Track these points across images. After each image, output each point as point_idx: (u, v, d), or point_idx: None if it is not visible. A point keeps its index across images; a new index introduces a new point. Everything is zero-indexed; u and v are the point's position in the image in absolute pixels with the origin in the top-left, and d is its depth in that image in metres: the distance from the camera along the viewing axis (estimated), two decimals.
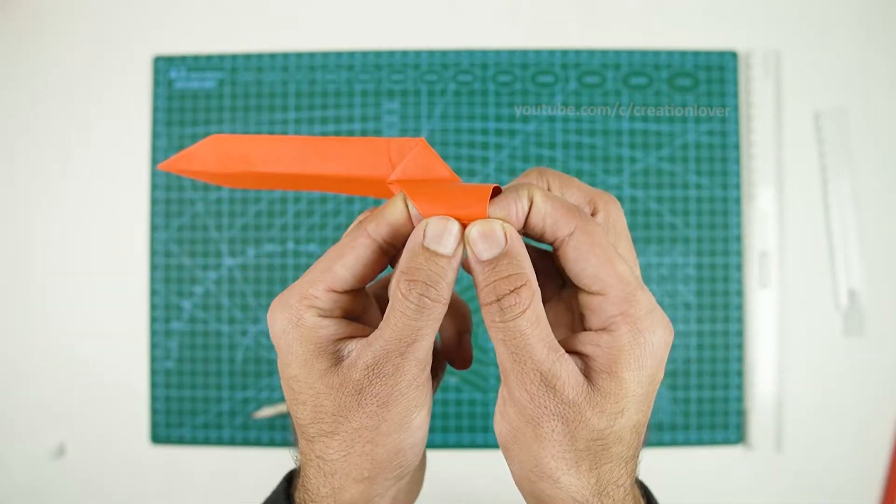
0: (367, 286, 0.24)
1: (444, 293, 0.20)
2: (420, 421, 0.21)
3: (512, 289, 0.19)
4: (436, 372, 0.25)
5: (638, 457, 0.21)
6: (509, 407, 0.21)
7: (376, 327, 0.21)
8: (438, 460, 0.47)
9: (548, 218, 0.20)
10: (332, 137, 0.22)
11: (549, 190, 0.22)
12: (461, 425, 0.46)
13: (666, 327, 0.20)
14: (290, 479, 0.23)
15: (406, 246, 0.20)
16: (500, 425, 0.21)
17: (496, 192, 0.21)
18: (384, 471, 0.21)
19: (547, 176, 0.22)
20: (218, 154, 0.23)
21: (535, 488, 0.21)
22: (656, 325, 0.20)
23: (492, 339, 0.20)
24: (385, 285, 0.23)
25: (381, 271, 0.22)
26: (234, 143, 0.22)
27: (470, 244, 0.20)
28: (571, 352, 0.20)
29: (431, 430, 0.46)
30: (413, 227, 0.21)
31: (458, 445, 0.46)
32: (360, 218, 0.22)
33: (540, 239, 0.21)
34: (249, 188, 0.23)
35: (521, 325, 0.19)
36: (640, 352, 0.19)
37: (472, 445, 0.46)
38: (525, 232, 0.21)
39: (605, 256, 0.20)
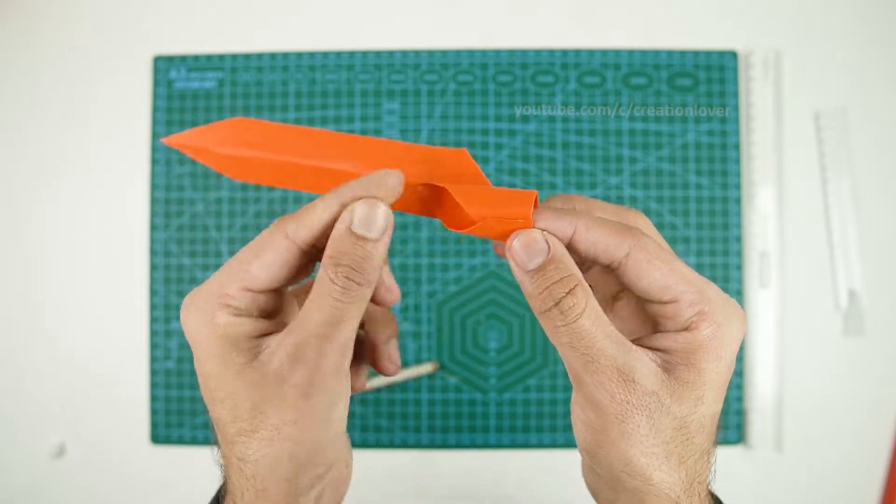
0: (290, 289, 0.24)
1: (370, 276, 0.20)
2: (340, 414, 0.21)
3: (567, 291, 0.19)
4: (358, 370, 0.25)
5: (714, 451, 0.21)
6: (588, 412, 0.20)
7: None
8: (438, 460, 0.47)
9: (599, 244, 0.20)
10: (365, 137, 0.22)
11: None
12: (461, 425, 0.46)
13: (740, 318, 0.20)
14: (222, 496, 0.22)
15: (333, 230, 0.20)
16: (582, 434, 0.21)
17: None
18: (307, 468, 0.20)
19: (573, 201, 0.23)
20: (236, 136, 0.22)
21: (626, 488, 0.20)
22: (731, 316, 0.20)
23: (557, 347, 0.20)
24: (308, 290, 0.23)
25: (305, 274, 0.22)
26: (260, 127, 0.22)
27: (514, 257, 0.20)
28: (647, 348, 0.20)
29: (431, 430, 0.46)
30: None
31: (458, 445, 0.46)
32: (279, 219, 0.21)
33: (592, 262, 0.21)
34: (252, 181, 0.22)
35: (584, 325, 0.19)
36: (719, 343, 0.20)
37: (472, 445, 0.46)
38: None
39: (668, 267, 0.20)
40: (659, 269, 0.20)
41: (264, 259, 0.20)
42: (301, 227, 0.20)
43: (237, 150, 0.22)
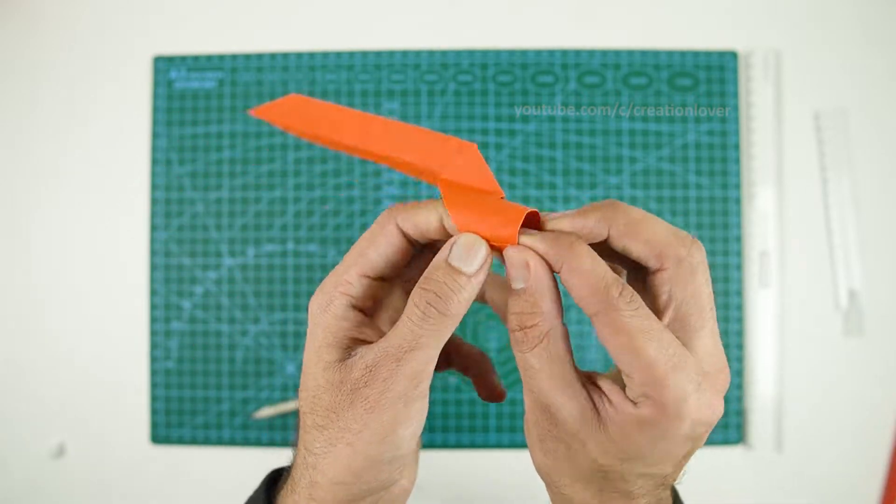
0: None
1: (453, 308, 0.20)
2: (404, 438, 0.21)
3: (528, 325, 0.20)
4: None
5: (654, 496, 0.21)
6: (527, 418, 0.22)
7: None
8: (438, 460, 0.47)
9: (573, 292, 0.20)
10: (398, 122, 0.23)
11: (608, 236, 0.21)
12: (461, 425, 0.46)
13: (701, 417, 0.19)
14: (275, 479, 0.23)
15: (434, 259, 0.21)
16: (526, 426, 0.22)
17: (533, 215, 0.21)
18: (360, 479, 0.21)
19: (618, 214, 0.21)
20: (295, 111, 0.24)
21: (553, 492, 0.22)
22: (687, 414, 0.19)
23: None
24: None
25: (411, 255, 0.23)
26: (309, 105, 0.24)
27: (507, 269, 0.20)
28: (604, 391, 0.20)
29: (431, 430, 0.46)
30: (442, 235, 0.21)
31: (458, 445, 0.46)
32: (391, 208, 0.22)
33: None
34: (325, 146, 0.25)
35: (530, 360, 0.20)
36: (657, 433, 0.19)
37: (472, 445, 0.46)
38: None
39: (630, 345, 0.18)
40: (618, 346, 0.19)
41: (379, 245, 0.22)
42: (407, 219, 0.22)
43: (299, 124, 0.24)
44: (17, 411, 0.48)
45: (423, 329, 0.20)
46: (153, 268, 0.47)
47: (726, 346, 0.46)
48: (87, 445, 0.47)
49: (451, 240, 0.20)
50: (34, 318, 0.48)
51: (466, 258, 0.20)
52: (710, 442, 0.46)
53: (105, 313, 0.48)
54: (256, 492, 0.23)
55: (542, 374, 0.20)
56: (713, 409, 0.19)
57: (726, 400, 0.46)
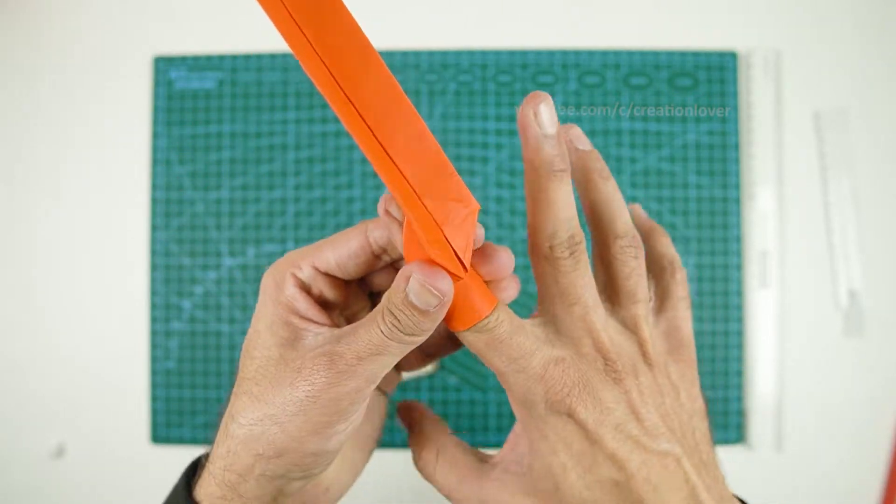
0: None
1: (417, 339, 0.20)
2: (337, 433, 0.21)
3: (416, 457, 0.25)
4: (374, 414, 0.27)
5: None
6: None
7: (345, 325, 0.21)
8: None
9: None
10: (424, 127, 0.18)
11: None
12: (461, 425, 0.46)
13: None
14: (195, 467, 0.23)
15: (392, 284, 0.20)
16: None
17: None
18: (279, 457, 0.20)
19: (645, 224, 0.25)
20: None
21: None
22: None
23: None
24: None
25: (369, 269, 0.23)
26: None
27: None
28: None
29: None
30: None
31: None
32: (365, 221, 0.23)
33: None
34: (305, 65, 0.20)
35: (436, 478, 0.25)
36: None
37: (472, 445, 0.46)
38: None
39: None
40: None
41: (337, 246, 0.22)
42: (378, 230, 0.22)
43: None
44: (17, 411, 0.48)
45: (390, 340, 0.19)
46: (153, 268, 0.47)
47: (726, 347, 0.46)
48: (87, 445, 0.47)
49: (406, 269, 0.19)
50: (34, 318, 0.48)
51: (423, 296, 0.18)
52: None
53: (105, 313, 0.48)
54: (179, 481, 0.23)
55: (450, 482, 0.24)
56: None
57: (726, 400, 0.46)
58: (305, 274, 0.22)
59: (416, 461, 0.25)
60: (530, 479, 0.21)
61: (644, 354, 0.21)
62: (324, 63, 0.18)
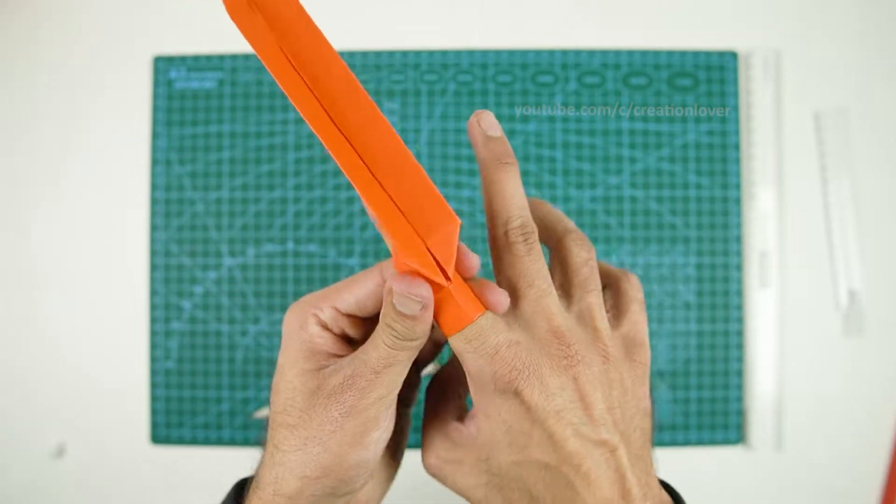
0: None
1: (414, 344, 0.21)
2: (374, 441, 0.22)
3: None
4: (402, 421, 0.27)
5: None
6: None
7: None
8: None
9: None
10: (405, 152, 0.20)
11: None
12: None
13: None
14: (241, 486, 0.25)
15: (383, 299, 0.22)
16: None
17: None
18: (326, 475, 0.22)
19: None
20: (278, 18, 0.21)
21: None
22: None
23: None
24: None
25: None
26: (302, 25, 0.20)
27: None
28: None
29: None
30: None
31: None
32: (381, 262, 0.25)
33: None
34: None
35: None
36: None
37: None
38: None
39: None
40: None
41: (355, 288, 0.24)
42: (388, 270, 0.24)
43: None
44: (17, 411, 0.48)
45: (396, 350, 0.21)
46: (153, 268, 0.47)
47: (726, 347, 0.46)
48: (86, 445, 0.47)
49: (389, 283, 0.21)
50: (34, 318, 0.48)
51: (407, 304, 0.20)
52: (711, 442, 0.46)
53: (105, 313, 0.48)
54: (226, 497, 0.24)
55: (426, 435, 0.26)
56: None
57: (726, 400, 0.46)
58: (326, 315, 0.24)
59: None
60: (472, 451, 0.23)
61: (598, 343, 0.22)
62: (313, 94, 0.20)
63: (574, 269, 0.23)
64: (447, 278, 0.20)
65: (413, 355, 0.22)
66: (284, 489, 0.22)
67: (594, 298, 0.23)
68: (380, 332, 0.21)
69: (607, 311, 0.24)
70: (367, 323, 0.25)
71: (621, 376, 0.22)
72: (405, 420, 0.29)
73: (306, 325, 0.23)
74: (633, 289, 0.25)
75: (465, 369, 0.22)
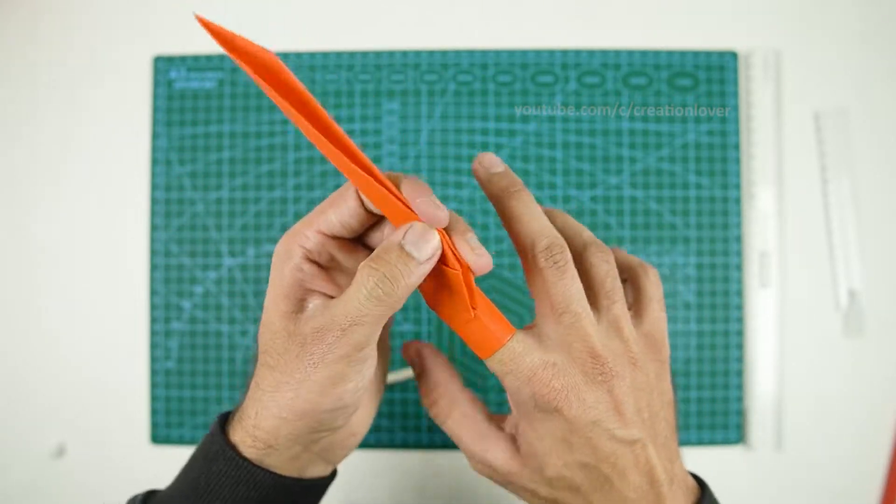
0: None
1: (398, 291, 0.21)
2: (344, 393, 0.23)
3: (430, 407, 0.27)
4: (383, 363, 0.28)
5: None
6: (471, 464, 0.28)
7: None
8: (438, 460, 0.47)
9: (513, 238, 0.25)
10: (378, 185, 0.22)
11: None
12: None
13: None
14: (226, 417, 0.26)
15: (385, 240, 0.22)
16: None
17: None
18: (300, 419, 0.23)
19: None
20: (265, 67, 0.23)
21: None
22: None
23: None
24: None
25: (370, 222, 0.25)
26: (287, 79, 0.23)
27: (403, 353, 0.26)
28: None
29: (431, 430, 0.46)
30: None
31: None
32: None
33: None
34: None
35: (449, 426, 0.26)
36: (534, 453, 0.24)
37: None
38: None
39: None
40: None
41: (338, 207, 0.23)
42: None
43: (260, 79, 0.22)
44: (17, 411, 0.48)
45: (367, 308, 0.21)
46: (153, 268, 0.47)
47: (726, 347, 0.46)
48: (87, 445, 0.47)
49: (406, 224, 0.21)
50: (34, 318, 0.48)
51: (419, 244, 0.21)
52: (711, 442, 0.46)
53: (105, 313, 0.48)
54: (213, 427, 0.26)
55: (464, 435, 0.26)
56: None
57: (726, 400, 0.46)
58: (312, 242, 0.24)
59: (429, 406, 0.27)
60: (521, 457, 0.25)
61: (629, 354, 0.23)
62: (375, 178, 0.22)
63: (599, 282, 0.24)
64: (474, 306, 0.22)
65: (384, 319, 0.22)
66: (263, 424, 0.23)
67: (619, 309, 0.24)
68: (356, 284, 0.21)
69: (628, 308, 0.25)
70: (353, 247, 0.25)
71: (647, 378, 0.24)
72: (385, 352, 0.30)
73: (289, 256, 0.23)
74: (653, 286, 0.26)
75: (504, 387, 0.24)
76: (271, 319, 0.23)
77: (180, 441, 0.47)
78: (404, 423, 0.46)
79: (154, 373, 0.47)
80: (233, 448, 0.24)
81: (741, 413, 0.47)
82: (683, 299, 0.47)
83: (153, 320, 0.47)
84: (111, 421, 0.47)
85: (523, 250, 0.24)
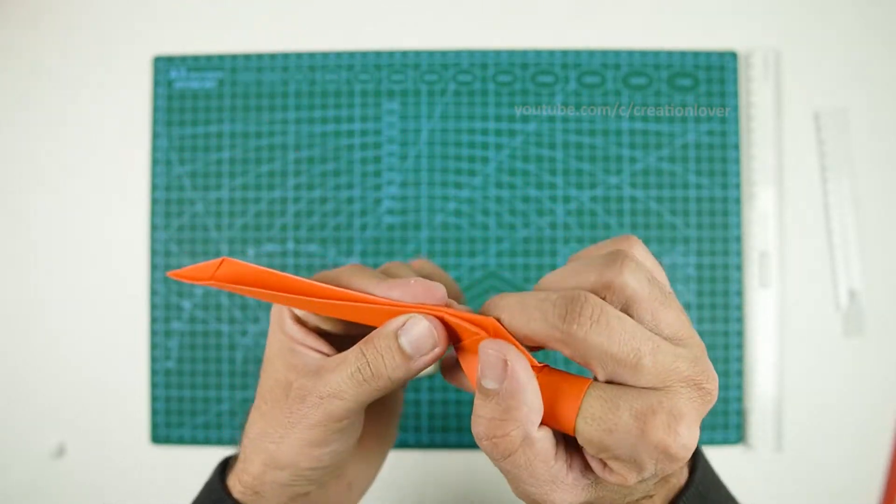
0: None
1: (381, 382, 0.20)
2: (322, 456, 0.22)
3: (495, 436, 0.18)
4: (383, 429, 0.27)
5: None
6: None
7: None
8: (438, 460, 0.47)
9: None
10: (360, 302, 0.21)
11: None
12: (461, 425, 0.46)
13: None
14: (225, 465, 0.26)
15: (383, 325, 0.21)
16: None
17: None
18: (281, 470, 0.23)
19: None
20: (230, 274, 0.22)
21: None
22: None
23: None
24: None
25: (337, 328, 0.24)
26: (248, 270, 0.22)
27: (479, 360, 0.18)
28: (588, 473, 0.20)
29: (431, 429, 0.46)
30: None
31: (459, 445, 0.46)
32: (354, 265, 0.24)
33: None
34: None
35: (504, 467, 0.19)
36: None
37: (472, 445, 0.46)
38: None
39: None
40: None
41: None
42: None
43: (234, 286, 0.22)
44: (17, 411, 0.48)
45: (347, 385, 0.21)
46: (153, 268, 0.47)
47: (726, 347, 0.46)
48: (87, 445, 0.47)
49: (407, 316, 0.20)
50: (34, 319, 0.48)
51: (416, 345, 0.20)
52: (711, 442, 0.46)
53: (105, 313, 0.48)
54: (215, 469, 0.26)
55: (522, 479, 0.19)
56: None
57: (726, 400, 0.46)
58: (298, 311, 0.23)
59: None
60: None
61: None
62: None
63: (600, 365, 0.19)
64: (535, 367, 0.19)
65: (365, 400, 0.21)
66: (250, 469, 0.23)
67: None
68: (345, 359, 0.21)
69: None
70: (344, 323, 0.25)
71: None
72: (396, 405, 0.29)
73: (283, 319, 0.23)
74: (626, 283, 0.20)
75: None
76: (276, 367, 0.23)
77: (180, 441, 0.47)
78: (404, 423, 0.46)
79: (154, 373, 0.47)
80: (226, 490, 0.24)
81: (741, 413, 0.47)
82: (683, 299, 0.47)
83: (153, 320, 0.47)
84: (111, 421, 0.47)
85: (542, 345, 0.19)
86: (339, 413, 0.21)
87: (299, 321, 0.23)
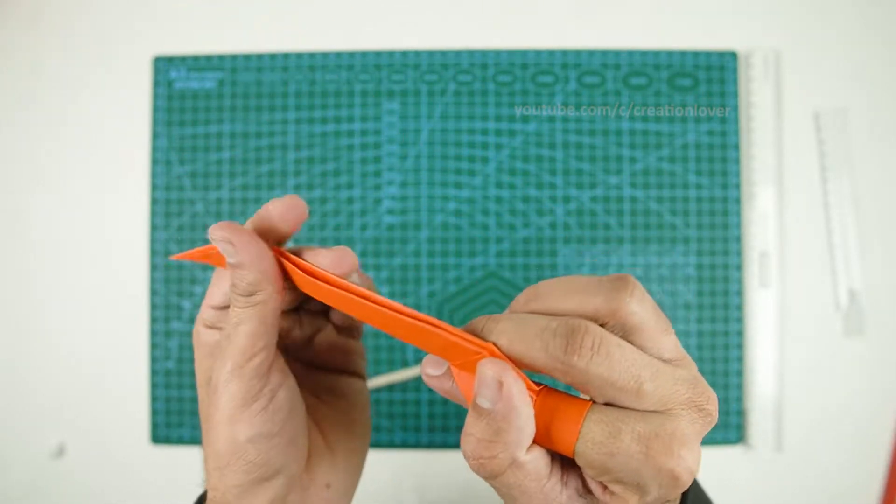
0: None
1: (255, 296, 0.21)
2: (256, 413, 0.21)
3: (482, 457, 0.18)
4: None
5: None
6: None
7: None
8: (438, 460, 0.47)
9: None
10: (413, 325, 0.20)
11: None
12: (461, 425, 0.46)
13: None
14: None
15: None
16: None
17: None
18: (228, 465, 0.22)
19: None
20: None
21: None
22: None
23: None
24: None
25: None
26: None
27: (476, 379, 0.18)
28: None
29: (431, 430, 0.46)
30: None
31: (459, 445, 0.46)
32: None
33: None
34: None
35: (493, 485, 0.19)
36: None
37: (457, 446, 0.46)
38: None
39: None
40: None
41: (220, 285, 0.23)
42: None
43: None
44: (17, 411, 0.48)
45: (238, 309, 0.21)
46: (153, 268, 0.47)
47: (726, 347, 0.46)
48: (87, 445, 0.47)
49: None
50: (34, 319, 0.48)
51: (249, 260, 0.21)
52: (711, 442, 0.46)
53: (105, 313, 0.48)
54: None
55: (513, 496, 0.18)
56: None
57: (726, 400, 0.46)
58: (208, 315, 0.24)
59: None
60: None
61: None
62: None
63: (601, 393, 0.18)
64: (532, 389, 0.18)
65: (261, 312, 0.21)
66: (212, 482, 0.22)
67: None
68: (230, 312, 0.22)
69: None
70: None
71: None
72: (362, 395, 0.28)
73: (198, 332, 0.24)
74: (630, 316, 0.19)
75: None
76: (200, 382, 0.24)
77: (180, 441, 0.47)
78: (403, 423, 0.46)
79: (154, 373, 0.47)
80: None
81: (741, 413, 0.47)
82: (683, 299, 0.47)
83: (153, 320, 0.47)
84: (111, 421, 0.47)
85: (545, 371, 0.18)
86: (251, 343, 0.21)
87: (210, 326, 0.24)
